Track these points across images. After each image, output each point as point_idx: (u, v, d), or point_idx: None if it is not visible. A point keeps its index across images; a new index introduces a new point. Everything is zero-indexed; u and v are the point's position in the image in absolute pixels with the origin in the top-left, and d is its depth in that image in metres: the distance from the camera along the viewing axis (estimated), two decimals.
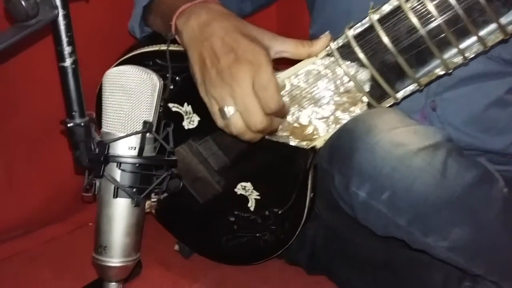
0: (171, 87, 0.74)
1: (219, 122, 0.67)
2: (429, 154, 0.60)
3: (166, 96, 0.72)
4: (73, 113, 0.53)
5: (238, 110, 0.64)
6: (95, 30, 0.88)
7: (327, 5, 0.85)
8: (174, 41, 0.72)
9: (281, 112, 0.66)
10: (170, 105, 0.75)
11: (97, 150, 0.56)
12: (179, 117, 0.76)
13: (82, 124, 0.54)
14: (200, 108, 0.73)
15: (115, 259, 0.61)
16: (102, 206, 0.61)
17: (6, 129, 0.88)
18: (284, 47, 0.67)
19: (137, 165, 0.59)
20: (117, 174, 0.59)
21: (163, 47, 0.72)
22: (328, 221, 0.84)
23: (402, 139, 0.61)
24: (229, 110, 0.64)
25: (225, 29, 0.65)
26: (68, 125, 0.54)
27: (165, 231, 0.87)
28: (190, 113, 0.75)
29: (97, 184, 0.60)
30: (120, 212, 0.60)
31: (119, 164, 0.58)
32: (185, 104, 0.75)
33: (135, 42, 0.83)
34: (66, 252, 0.91)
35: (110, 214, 0.60)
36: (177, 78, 0.74)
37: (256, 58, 0.63)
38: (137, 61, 0.74)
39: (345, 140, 0.66)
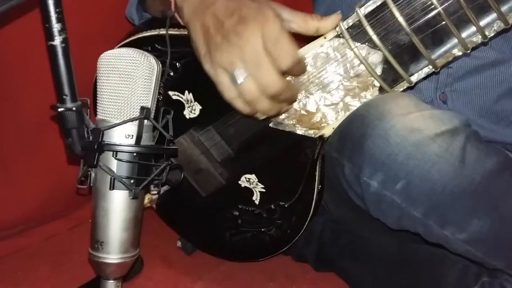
0: (171, 73, 0.70)
1: (229, 93, 0.61)
2: (447, 140, 0.57)
3: (166, 83, 0.69)
4: (64, 96, 0.49)
5: (250, 72, 0.59)
6: (92, 18, 0.85)
7: None
8: (174, 26, 0.68)
9: (298, 68, 0.62)
10: (171, 93, 0.72)
11: (90, 137, 0.51)
12: (180, 105, 0.72)
13: (74, 108, 0.50)
14: (202, 96, 0.69)
15: (112, 255, 0.58)
16: (98, 198, 0.57)
17: (3, 126, 0.86)
18: (292, 16, 0.62)
19: (134, 154, 0.55)
20: (113, 164, 0.55)
21: (162, 31, 0.69)
22: (336, 216, 0.81)
23: (417, 124, 0.58)
24: (240, 73, 0.59)
25: None
26: (59, 110, 0.50)
27: (167, 226, 0.84)
28: (191, 102, 0.71)
29: (93, 175, 0.56)
30: (117, 205, 0.56)
31: (115, 153, 0.54)
32: (186, 92, 0.71)
33: (133, 28, 0.79)
34: (65, 249, 0.89)
35: (106, 207, 0.56)
36: (177, 64, 0.70)
37: (262, 13, 0.58)
38: (135, 46, 0.70)
39: (356, 126, 0.62)
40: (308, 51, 0.65)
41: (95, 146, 0.51)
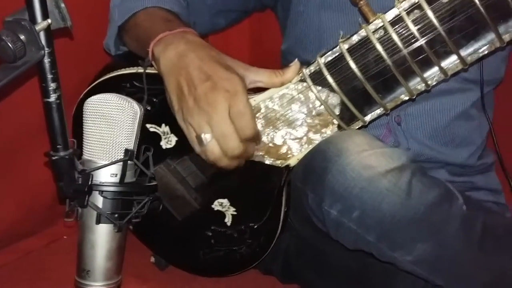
0: (149, 108, 0.78)
1: (196, 147, 0.72)
2: (395, 176, 0.67)
3: (144, 117, 0.76)
4: (58, 146, 0.57)
5: (215, 136, 0.69)
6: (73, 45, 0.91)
7: (299, 21, 0.90)
8: (151, 64, 0.76)
9: (256, 138, 0.72)
10: (148, 125, 0.80)
11: (80, 180, 0.59)
12: (156, 137, 0.80)
13: (66, 156, 0.57)
14: (178, 128, 0.77)
15: (98, 283, 0.65)
16: (85, 231, 0.64)
17: None
18: (258, 77, 0.72)
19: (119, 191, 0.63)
20: (99, 201, 0.63)
21: (140, 69, 0.77)
22: (300, 232, 0.90)
23: (370, 162, 0.68)
24: (206, 137, 0.69)
25: (202, 59, 0.69)
26: (53, 158, 0.57)
27: (140, 243, 0.91)
28: (167, 134, 0.80)
29: (79, 210, 0.64)
30: (102, 238, 0.64)
31: (102, 192, 0.62)
32: (163, 124, 0.80)
33: (111, 60, 0.87)
34: (42, 266, 0.95)
35: (93, 240, 0.64)
36: (154, 99, 0.78)
37: (232, 86, 0.68)
38: (115, 83, 0.78)
39: (318, 161, 0.72)
40: (276, 93, 0.74)
41: (86, 189, 0.59)
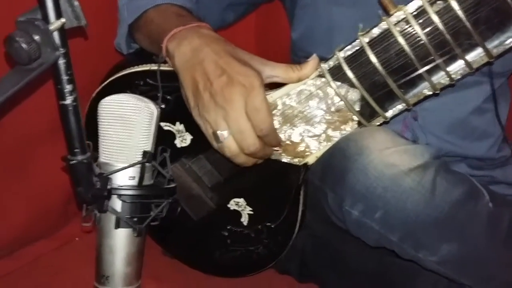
0: (163, 106, 0.76)
1: (213, 142, 0.70)
2: (419, 174, 0.66)
3: None
4: (75, 150, 0.56)
5: (232, 133, 0.68)
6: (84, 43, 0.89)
7: (307, 15, 0.89)
8: (165, 61, 0.74)
9: (272, 137, 0.70)
10: (162, 124, 0.78)
11: (98, 184, 0.58)
12: (171, 135, 0.79)
13: (85, 161, 0.56)
14: (193, 126, 0.75)
15: None
16: (103, 236, 0.63)
17: None
18: (274, 72, 0.71)
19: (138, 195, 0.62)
20: (118, 205, 0.62)
21: (154, 67, 0.75)
22: (317, 231, 0.89)
23: (393, 160, 0.66)
24: (223, 133, 0.68)
25: (217, 53, 0.68)
26: (71, 162, 0.56)
27: (154, 243, 0.90)
28: (182, 132, 0.78)
29: (97, 215, 0.63)
30: (121, 242, 0.63)
31: (120, 195, 0.61)
32: (177, 123, 0.78)
33: (123, 58, 0.85)
34: (54, 270, 0.94)
35: (111, 245, 0.63)
36: (168, 97, 0.76)
37: (248, 81, 0.66)
38: (127, 81, 0.77)
39: (338, 159, 0.70)
40: (293, 89, 0.72)
41: (105, 193, 0.58)
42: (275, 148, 0.75)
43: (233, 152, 0.69)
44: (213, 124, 0.68)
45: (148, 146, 0.63)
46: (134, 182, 0.62)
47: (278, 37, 1.07)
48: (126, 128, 0.62)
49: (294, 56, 0.96)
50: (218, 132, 0.68)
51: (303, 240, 0.90)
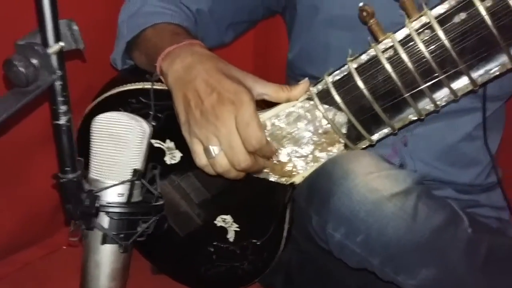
0: (154, 123, 0.78)
1: (201, 161, 0.71)
2: (401, 200, 0.67)
3: None
4: (66, 168, 0.57)
5: (223, 149, 0.69)
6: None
7: (304, 35, 0.90)
8: (158, 80, 0.76)
9: (265, 150, 0.71)
10: (152, 141, 0.79)
11: (87, 201, 0.59)
12: (161, 152, 0.80)
13: (75, 179, 0.57)
14: (183, 144, 0.76)
15: None
16: (89, 251, 0.64)
17: None
18: (265, 90, 0.72)
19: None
20: (105, 221, 0.63)
21: (147, 85, 0.76)
22: (303, 247, 0.90)
23: (376, 185, 0.68)
24: (214, 149, 0.69)
25: (208, 71, 0.69)
26: (61, 180, 0.57)
27: (141, 256, 0.91)
28: (172, 149, 0.80)
29: (84, 230, 0.64)
30: (107, 258, 0.64)
31: (108, 212, 0.62)
32: (168, 140, 0.79)
33: (117, 74, 0.86)
34: (42, 277, 0.96)
35: (97, 260, 0.64)
36: (160, 115, 0.78)
37: (238, 97, 0.67)
38: (120, 98, 0.78)
39: (323, 182, 0.72)
40: (282, 110, 0.74)
41: (93, 211, 0.59)
42: (264, 170, 0.77)
43: (224, 167, 0.70)
44: (204, 140, 0.69)
45: (138, 164, 0.64)
46: (122, 199, 0.63)
47: (276, 54, 1.08)
48: (118, 146, 0.63)
49: (291, 73, 0.98)
50: (210, 147, 0.69)
51: (289, 254, 0.91)
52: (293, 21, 0.92)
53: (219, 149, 0.69)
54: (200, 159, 0.71)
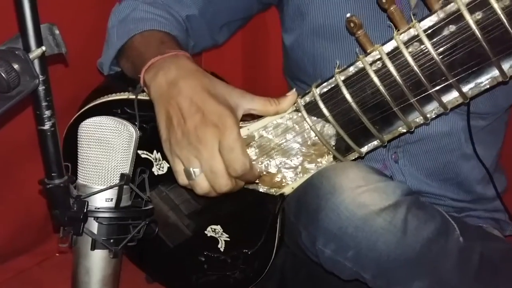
0: (140, 134, 0.77)
1: (182, 180, 0.70)
2: (390, 214, 0.67)
3: None
4: (52, 174, 0.56)
5: (204, 172, 0.68)
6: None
7: (293, 44, 0.87)
8: (143, 90, 0.75)
9: (249, 176, 0.70)
10: (139, 151, 0.79)
11: (75, 207, 0.59)
12: (148, 163, 0.80)
13: (61, 184, 0.57)
14: None
15: None
16: (80, 258, 0.64)
17: None
18: (252, 105, 0.71)
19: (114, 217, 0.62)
20: (94, 227, 0.62)
21: (132, 95, 0.76)
22: (296, 251, 0.90)
23: (364, 200, 0.67)
24: (195, 171, 0.68)
25: (193, 89, 0.68)
26: (47, 186, 0.57)
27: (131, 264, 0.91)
28: (159, 160, 0.79)
29: (74, 236, 0.63)
30: (97, 264, 0.63)
31: (97, 217, 0.61)
32: (155, 151, 0.79)
33: (103, 81, 0.86)
34: (35, 284, 0.96)
35: (88, 266, 0.63)
36: (145, 126, 0.77)
37: (222, 121, 0.66)
38: (105, 108, 0.77)
39: (311, 197, 0.71)
40: (270, 121, 0.73)
41: (81, 217, 0.58)
42: None
43: (204, 190, 0.69)
44: (185, 161, 0.68)
45: (126, 168, 0.63)
46: (111, 204, 0.63)
47: (264, 58, 1.08)
48: (105, 150, 0.62)
49: (287, 76, 0.97)
50: (190, 169, 0.68)
51: (282, 257, 0.91)
52: (284, 19, 0.90)
53: (200, 171, 0.68)
54: (182, 178, 0.70)
